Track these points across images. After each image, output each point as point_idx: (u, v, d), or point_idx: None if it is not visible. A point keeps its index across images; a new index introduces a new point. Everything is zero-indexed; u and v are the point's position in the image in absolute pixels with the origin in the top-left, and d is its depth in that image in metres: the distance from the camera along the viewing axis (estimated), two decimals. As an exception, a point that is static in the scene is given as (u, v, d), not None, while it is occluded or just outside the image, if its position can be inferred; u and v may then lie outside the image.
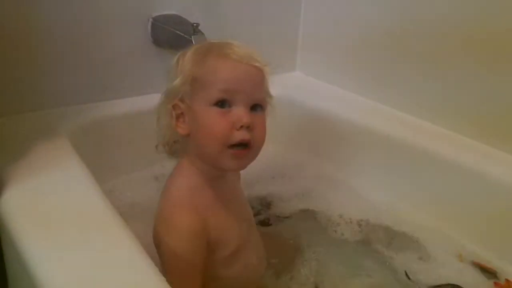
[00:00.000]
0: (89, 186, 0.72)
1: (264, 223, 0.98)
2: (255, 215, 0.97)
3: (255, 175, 0.72)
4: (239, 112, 0.66)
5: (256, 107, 0.69)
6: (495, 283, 0.83)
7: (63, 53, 0.95)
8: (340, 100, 1.17)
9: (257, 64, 0.68)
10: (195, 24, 0.96)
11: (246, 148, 0.67)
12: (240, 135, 0.66)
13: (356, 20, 1.16)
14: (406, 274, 0.87)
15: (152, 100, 1.08)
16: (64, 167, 0.77)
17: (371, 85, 1.16)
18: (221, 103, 0.67)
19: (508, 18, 0.89)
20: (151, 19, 1.03)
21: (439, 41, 0.99)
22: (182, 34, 0.98)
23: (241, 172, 0.81)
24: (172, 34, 1.00)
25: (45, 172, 0.74)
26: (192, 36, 0.96)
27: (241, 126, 0.66)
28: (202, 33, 0.96)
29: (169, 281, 0.55)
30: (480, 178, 0.90)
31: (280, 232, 0.96)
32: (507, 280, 0.83)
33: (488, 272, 0.86)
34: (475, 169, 0.91)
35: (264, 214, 1.00)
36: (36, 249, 0.60)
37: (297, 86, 1.25)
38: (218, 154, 0.67)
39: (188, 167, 0.72)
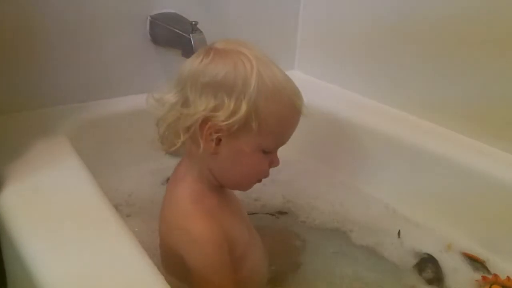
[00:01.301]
0: (88, 184, 0.72)
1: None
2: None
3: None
4: (276, 158, 0.71)
5: None
6: (483, 277, 0.83)
7: (62, 51, 0.95)
8: (339, 99, 1.17)
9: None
10: (193, 23, 0.96)
11: None
12: (268, 174, 0.72)
13: (355, 18, 1.16)
14: (399, 233, 0.93)
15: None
16: (63, 165, 0.77)
17: (369, 84, 1.16)
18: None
19: (502, 13, 0.89)
20: (149, 18, 1.03)
21: (440, 37, 0.99)
22: (181, 33, 0.98)
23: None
24: (170, 33, 1.00)
25: (43, 170, 0.75)
26: (191, 35, 0.96)
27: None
28: (201, 31, 0.96)
29: None
30: (472, 174, 0.90)
31: (277, 232, 0.97)
32: (495, 275, 0.83)
33: (477, 262, 0.87)
34: (466, 165, 0.91)
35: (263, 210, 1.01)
36: (35, 247, 0.60)
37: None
38: (243, 185, 0.73)
39: (192, 173, 0.71)
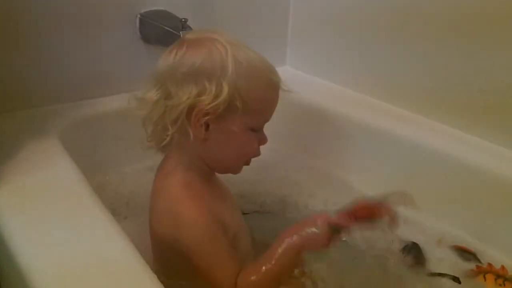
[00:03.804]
0: (79, 184, 0.72)
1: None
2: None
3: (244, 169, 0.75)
4: (264, 135, 0.74)
5: None
6: (477, 267, 0.84)
7: (51, 51, 0.95)
8: (330, 94, 1.18)
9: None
10: (183, 20, 0.96)
11: None
12: (259, 152, 0.74)
13: (346, 13, 1.16)
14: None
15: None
16: (54, 165, 0.77)
17: (361, 79, 1.16)
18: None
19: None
20: (139, 15, 1.03)
21: (432, 31, 0.99)
22: (171, 30, 0.98)
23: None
24: (160, 30, 1.00)
25: (34, 170, 0.75)
26: (181, 32, 0.96)
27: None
28: (191, 28, 0.96)
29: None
30: (461, 165, 0.91)
31: (265, 227, 0.97)
32: (489, 264, 0.84)
33: (467, 253, 0.88)
34: (456, 157, 0.92)
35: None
36: (26, 246, 0.60)
37: (287, 80, 1.24)
38: (236, 167, 0.74)
39: (182, 163, 0.72)
